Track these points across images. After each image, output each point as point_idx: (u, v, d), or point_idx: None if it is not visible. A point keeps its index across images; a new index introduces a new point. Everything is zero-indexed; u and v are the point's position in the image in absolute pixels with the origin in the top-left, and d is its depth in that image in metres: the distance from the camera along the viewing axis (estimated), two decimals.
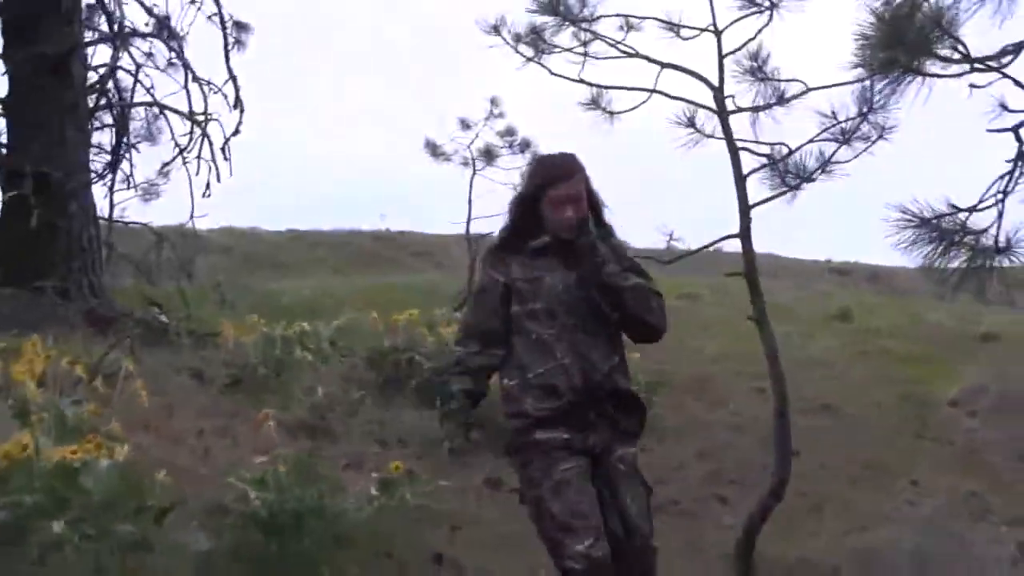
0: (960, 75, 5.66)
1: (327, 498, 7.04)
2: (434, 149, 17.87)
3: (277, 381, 11.32)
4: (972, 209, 5.49)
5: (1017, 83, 5.28)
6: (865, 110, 6.89)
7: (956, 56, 5.77)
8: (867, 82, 6.69)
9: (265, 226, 25.69)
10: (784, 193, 7.24)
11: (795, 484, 9.02)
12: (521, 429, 4.88)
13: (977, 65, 5.72)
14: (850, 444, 12.88)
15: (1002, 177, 5.61)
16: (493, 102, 17.73)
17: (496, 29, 7.91)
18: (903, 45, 5.62)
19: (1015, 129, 5.41)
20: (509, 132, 17.96)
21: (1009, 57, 5.54)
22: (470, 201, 17.96)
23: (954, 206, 5.45)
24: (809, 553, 9.13)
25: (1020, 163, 5.40)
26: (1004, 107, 5.80)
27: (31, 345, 8.18)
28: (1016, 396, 14.16)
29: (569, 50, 7.90)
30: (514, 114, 18.57)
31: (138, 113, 15.43)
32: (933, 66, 5.70)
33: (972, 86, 5.56)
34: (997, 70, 5.46)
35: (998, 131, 5.41)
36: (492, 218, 17.59)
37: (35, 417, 6.70)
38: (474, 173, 17.88)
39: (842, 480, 11.49)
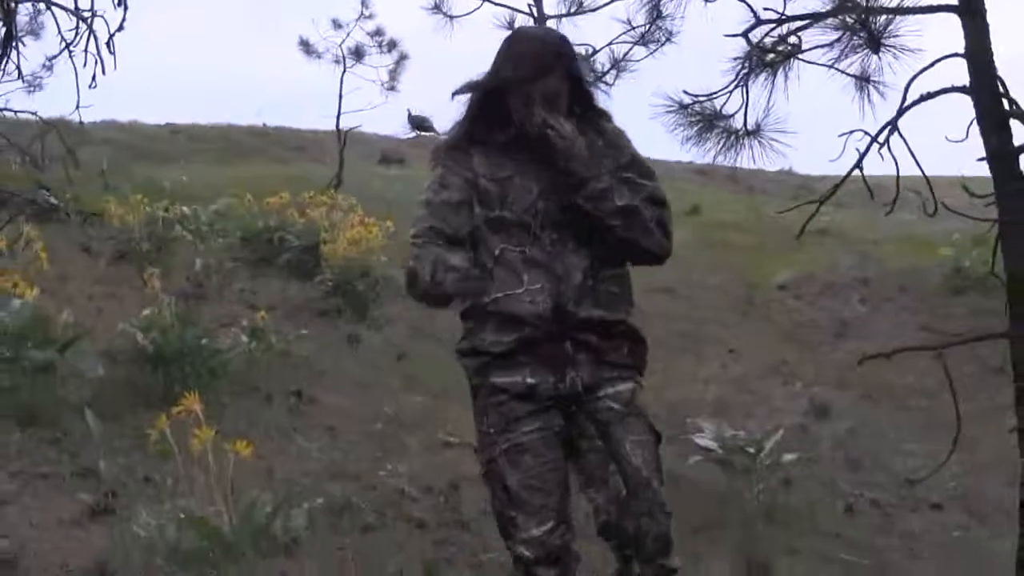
0: None
1: (206, 337, 8.36)
2: (307, 47, 18.88)
3: (159, 255, 12.47)
4: (712, 96, 6.89)
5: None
6: (653, 16, 8.21)
7: None
8: None
9: (144, 120, 26.38)
10: (591, 85, 8.55)
11: None
12: (476, 369, 3.82)
13: None
14: (682, 320, 14.52)
15: (742, 67, 7.01)
16: (363, 3, 18.80)
17: None
18: None
19: (744, 34, 6.78)
20: (378, 32, 19.05)
21: None
22: (340, 96, 19.04)
23: (699, 94, 6.83)
24: None
25: (752, 60, 6.82)
26: (755, 16, 7.23)
27: None
28: (839, 283, 15.86)
29: None
30: (384, 16, 19.54)
31: (25, 8, 16.30)
32: None
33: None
34: None
35: (732, 35, 6.80)
36: (360, 112, 18.91)
37: None
38: (344, 71, 18.93)
39: (670, 348, 13.03)
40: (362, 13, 18.70)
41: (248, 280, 12.41)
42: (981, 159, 6.76)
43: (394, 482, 7.24)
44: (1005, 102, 7.14)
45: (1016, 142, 6.95)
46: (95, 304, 10.45)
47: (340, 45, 18.83)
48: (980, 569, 7.19)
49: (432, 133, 17.92)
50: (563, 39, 4.12)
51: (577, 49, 9.01)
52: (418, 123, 21.20)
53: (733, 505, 7.71)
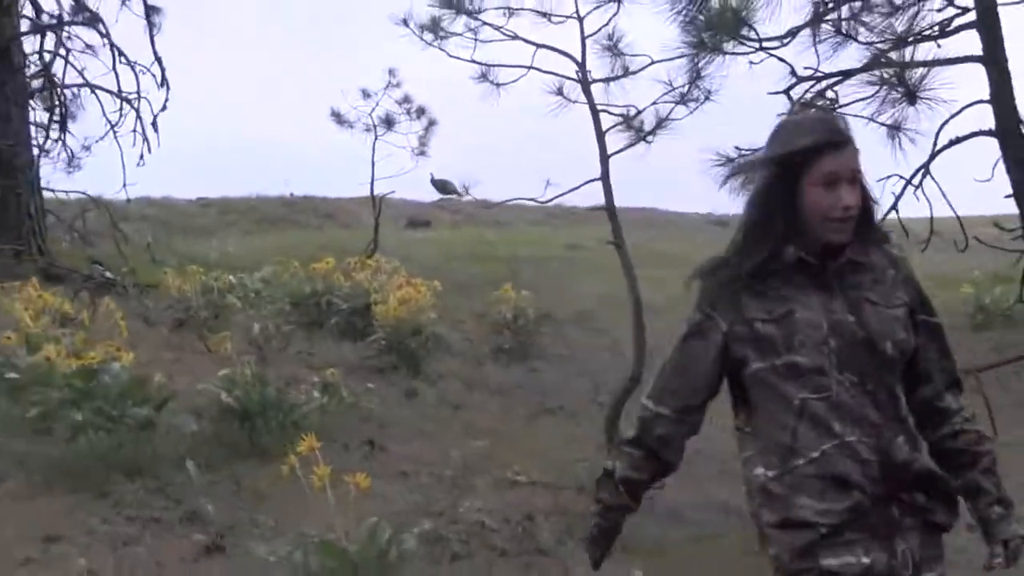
0: (749, 52, 7.73)
1: (282, 394, 8.95)
2: (339, 117, 19.52)
3: (216, 322, 13.08)
4: (757, 149, 7.54)
5: (782, 60, 7.33)
6: (693, 77, 8.86)
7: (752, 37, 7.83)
8: (693, 57, 8.68)
9: (176, 195, 27.09)
10: (635, 144, 9.20)
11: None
12: (799, 550, 3.08)
13: (766, 44, 7.80)
14: None
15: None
16: (391, 73, 19.45)
17: (405, 22, 9.71)
18: (712, 30, 7.61)
19: (786, 91, 7.46)
20: (406, 100, 19.69)
21: (788, 39, 7.60)
22: (373, 164, 19.67)
23: (745, 148, 7.50)
24: None
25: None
26: (794, 74, 7.90)
27: (23, 288, 10.05)
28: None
29: (461, 35, 9.76)
30: (410, 85, 20.14)
31: (71, 92, 17.14)
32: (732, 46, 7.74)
33: (751, 63, 7.63)
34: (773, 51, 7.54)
35: (775, 93, 7.48)
36: (392, 179, 19.57)
37: (54, 337, 8.58)
38: (376, 138, 19.58)
39: None
40: (390, 82, 19.31)
41: (303, 342, 13.00)
42: (1008, 196, 7.42)
43: (473, 516, 7.78)
44: None
45: None
46: (166, 368, 11.04)
47: (370, 114, 19.43)
48: None
49: (455, 196, 18.47)
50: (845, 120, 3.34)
51: (621, 111, 9.85)
52: (441, 187, 21.84)
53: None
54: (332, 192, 28.33)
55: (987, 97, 7.89)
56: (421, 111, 19.66)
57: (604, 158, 9.26)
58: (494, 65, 9.74)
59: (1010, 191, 7.60)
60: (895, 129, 7.79)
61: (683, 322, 3.35)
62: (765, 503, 3.18)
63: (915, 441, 3.16)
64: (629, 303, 9.39)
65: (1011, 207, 7.75)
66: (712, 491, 9.20)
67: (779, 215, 3.17)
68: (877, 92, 7.63)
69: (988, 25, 7.94)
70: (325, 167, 54.58)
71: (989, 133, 7.67)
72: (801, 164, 3.12)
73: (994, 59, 7.77)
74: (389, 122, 19.50)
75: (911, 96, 7.40)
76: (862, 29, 8.24)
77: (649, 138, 9.20)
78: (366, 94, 19.44)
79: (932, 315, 3.30)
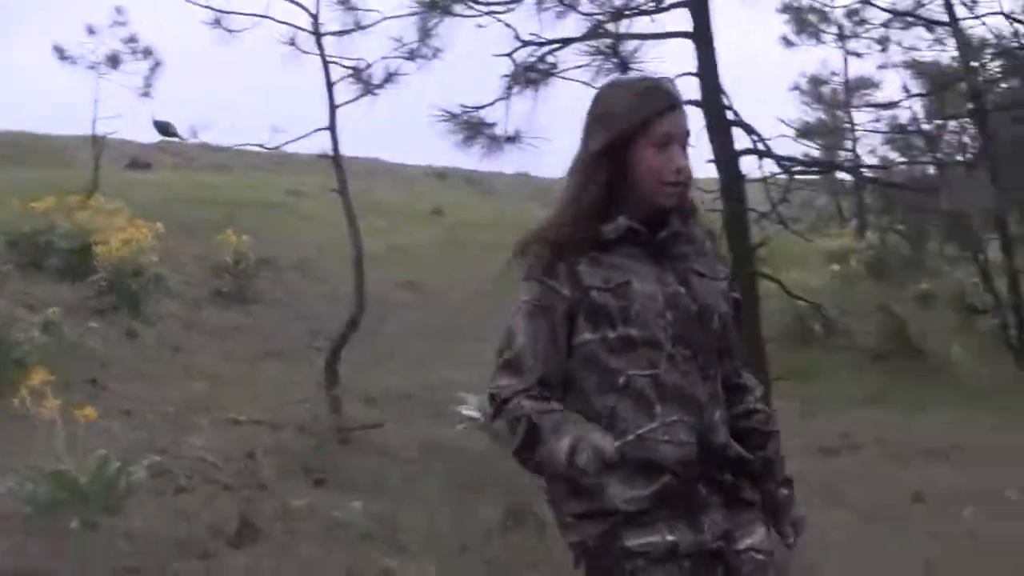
0: (477, 16, 8.17)
1: (2, 332, 8.97)
2: (62, 53, 19.14)
3: None
4: (480, 107, 8.01)
5: (508, 25, 7.78)
6: (423, 35, 9.22)
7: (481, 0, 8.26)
8: (424, 16, 9.05)
9: None
10: (363, 96, 9.52)
11: (377, 340, 11.66)
12: (602, 535, 2.96)
13: (493, 8, 8.25)
14: (435, 312, 15.65)
15: (507, 85, 8.14)
16: (118, 11, 19.17)
17: None
18: None
19: (510, 54, 7.92)
20: (132, 39, 19.41)
21: (514, 4, 8.07)
22: (96, 102, 19.36)
23: (469, 106, 7.94)
24: (390, 383, 11.62)
25: (515, 76, 7.94)
26: (519, 38, 8.39)
27: None
28: None
29: None
30: (140, 25, 19.81)
31: None
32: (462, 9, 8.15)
33: (479, 26, 8.06)
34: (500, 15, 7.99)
35: (500, 55, 7.92)
36: (115, 118, 19.31)
37: None
38: (99, 77, 19.26)
39: (427, 337, 14.12)
40: (116, 20, 19.05)
41: (20, 282, 12.85)
42: (709, 161, 8.10)
43: (196, 453, 8.04)
44: (729, 113, 8.53)
45: (736, 147, 8.35)
46: None
47: (94, 51, 19.12)
48: None
49: (177, 138, 18.37)
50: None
51: (351, 64, 10.12)
52: (162, 128, 21.60)
53: (495, 464, 8.71)
54: (52, 130, 27.71)
55: (695, 70, 8.51)
56: (148, 52, 19.45)
57: (332, 108, 9.56)
58: (227, 12, 9.90)
59: (711, 156, 8.25)
60: None
61: (519, 298, 2.95)
62: (570, 493, 2.93)
63: (727, 421, 3.05)
64: (350, 251, 9.73)
65: (713, 171, 8.44)
66: (424, 431, 9.69)
67: (607, 181, 2.96)
68: (594, 60, 8.19)
69: (698, 4, 8.55)
70: (46, 103, 52.85)
71: (696, 103, 8.30)
72: (637, 127, 2.93)
73: (702, 36, 8.40)
74: (115, 61, 19.22)
75: (624, 66, 7.98)
76: (584, 0, 8.77)
77: (377, 91, 9.53)
78: (91, 31, 19.13)
79: (736, 289, 3.19)
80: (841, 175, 20.88)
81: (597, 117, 3.01)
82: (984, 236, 18.00)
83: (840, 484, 9.29)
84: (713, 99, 8.25)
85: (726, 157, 8.33)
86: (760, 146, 8.85)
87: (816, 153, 21.49)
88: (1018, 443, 10.89)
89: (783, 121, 17.86)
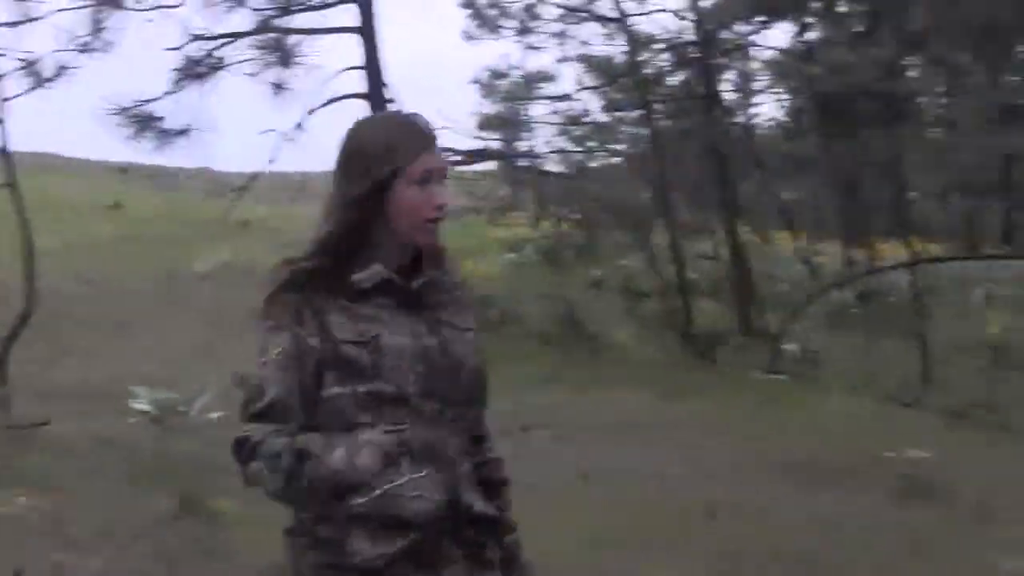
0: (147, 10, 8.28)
1: None
2: None
3: None
4: (149, 101, 8.12)
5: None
6: (95, 28, 9.19)
7: None
8: (96, 9, 9.06)
9: None
10: (34, 89, 9.44)
11: (51, 335, 11.57)
12: None
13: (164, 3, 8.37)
14: (109, 306, 15.47)
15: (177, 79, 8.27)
16: None
17: None
18: None
19: (179, 48, 8.08)
20: None
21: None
22: None
23: (139, 100, 8.05)
24: (63, 378, 11.52)
25: (184, 70, 8.06)
26: (193, 34, 8.54)
27: None
28: (260, 271, 17.22)
29: None
30: None
31: None
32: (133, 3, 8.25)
33: (148, 20, 8.19)
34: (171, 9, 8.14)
35: (171, 49, 8.05)
36: None
37: None
38: None
39: (100, 331, 14.00)
40: None
41: None
42: None
43: None
44: (393, 106, 8.90)
45: None
46: None
47: None
48: None
49: None
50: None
51: (22, 56, 9.93)
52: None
53: (168, 456, 8.77)
54: None
55: (361, 64, 8.81)
56: None
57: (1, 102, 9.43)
58: None
59: None
60: (279, 87, 8.61)
61: (265, 346, 2.78)
62: (312, 546, 2.82)
63: (475, 477, 2.94)
64: (20, 246, 9.60)
65: None
66: (97, 426, 9.63)
67: (362, 224, 2.81)
68: (260, 55, 8.43)
69: (364, 0, 8.82)
70: None
71: (362, 96, 8.60)
72: (396, 169, 2.79)
73: (368, 31, 8.71)
74: None
75: (285, 60, 8.24)
76: None
77: (48, 84, 9.46)
78: None
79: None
80: (520, 164, 21.43)
81: (350, 158, 2.84)
82: (652, 223, 18.79)
83: (509, 463, 9.62)
84: (376, 91, 8.57)
85: None
86: None
87: (496, 145, 21.97)
88: (680, 420, 11.50)
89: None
